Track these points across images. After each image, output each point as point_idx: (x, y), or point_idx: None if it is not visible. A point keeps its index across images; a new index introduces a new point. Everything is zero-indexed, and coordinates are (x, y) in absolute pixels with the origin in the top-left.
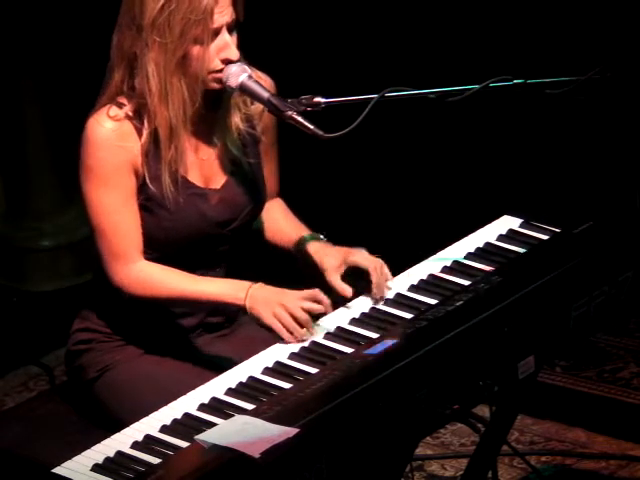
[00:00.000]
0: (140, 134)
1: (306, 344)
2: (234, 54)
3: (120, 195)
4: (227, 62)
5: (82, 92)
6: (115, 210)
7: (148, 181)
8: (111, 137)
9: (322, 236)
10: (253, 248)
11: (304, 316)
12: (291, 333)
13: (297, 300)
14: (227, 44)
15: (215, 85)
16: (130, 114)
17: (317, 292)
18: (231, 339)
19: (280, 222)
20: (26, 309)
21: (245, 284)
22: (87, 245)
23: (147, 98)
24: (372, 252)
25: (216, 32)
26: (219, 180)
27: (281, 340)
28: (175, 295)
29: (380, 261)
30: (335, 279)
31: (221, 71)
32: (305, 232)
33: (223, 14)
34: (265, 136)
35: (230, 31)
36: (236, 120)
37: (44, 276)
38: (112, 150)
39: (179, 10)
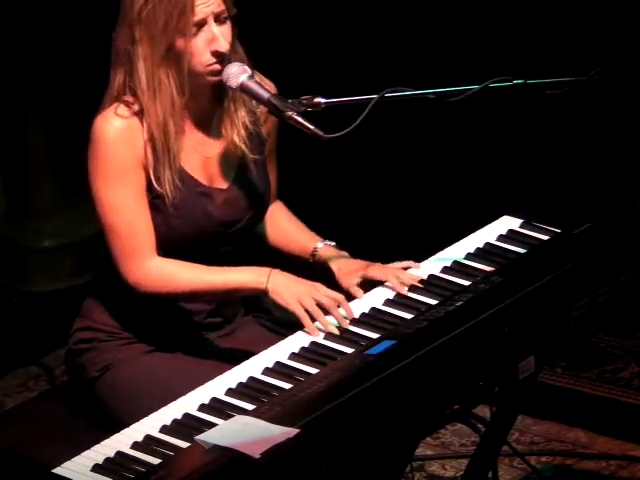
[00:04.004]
0: None
1: (306, 344)
2: (223, 46)
3: (131, 192)
4: (217, 54)
5: (82, 92)
6: (126, 207)
7: (153, 179)
8: (119, 134)
9: (333, 244)
10: (256, 251)
11: (330, 303)
12: (313, 320)
13: (324, 290)
14: (215, 36)
15: (212, 79)
16: (137, 111)
17: (342, 297)
18: (231, 339)
19: (285, 226)
20: (26, 309)
21: (265, 269)
22: (88, 245)
23: (139, 95)
24: (372, 253)
25: (200, 24)
26: (224, 180)
27: (302, 328)
28: (195, 288)
29: (396, 271)
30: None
31: (215, 64)
32: (314, 238)
33: (207, 5)
34: (268, 139)
35: (220, 22)
36: (242, 114)
37: (45, 276)
38: (120, 147)
39: (162, 1)
